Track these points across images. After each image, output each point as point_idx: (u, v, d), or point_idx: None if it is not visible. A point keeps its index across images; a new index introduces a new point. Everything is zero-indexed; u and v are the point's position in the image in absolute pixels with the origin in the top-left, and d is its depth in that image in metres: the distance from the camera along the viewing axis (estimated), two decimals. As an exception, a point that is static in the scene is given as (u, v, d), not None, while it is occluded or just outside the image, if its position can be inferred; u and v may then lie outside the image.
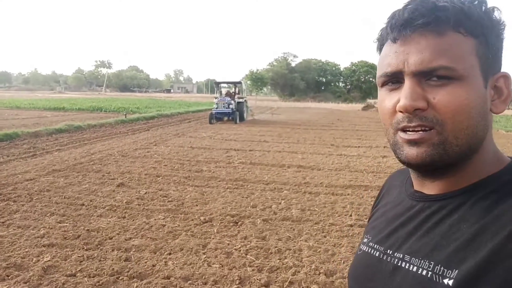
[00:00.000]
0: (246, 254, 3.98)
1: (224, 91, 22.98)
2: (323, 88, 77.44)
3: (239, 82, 22.85)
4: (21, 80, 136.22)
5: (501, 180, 0.62)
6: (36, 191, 5.99)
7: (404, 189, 0.76)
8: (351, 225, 4.87)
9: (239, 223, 4.88)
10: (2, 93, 57.55)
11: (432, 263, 0.60)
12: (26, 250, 3.90)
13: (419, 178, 0.70)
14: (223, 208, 5.41)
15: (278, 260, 3.87)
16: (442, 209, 0.64)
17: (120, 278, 3.43)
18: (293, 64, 76.90)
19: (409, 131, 0.62)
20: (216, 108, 19.35)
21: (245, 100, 21.64)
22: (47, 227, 4.54)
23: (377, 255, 0.72)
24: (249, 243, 4.24)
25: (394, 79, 0.64)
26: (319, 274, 3.61)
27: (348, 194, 6.35)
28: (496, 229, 0.56)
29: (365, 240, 0.78)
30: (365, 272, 0.73)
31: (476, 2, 0.62)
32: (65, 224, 4.65)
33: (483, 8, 0.62)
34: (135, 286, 3.31)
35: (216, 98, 20.54)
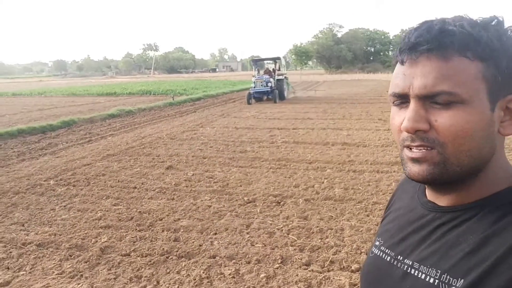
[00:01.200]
0: (288, 234, 4.09)
1: (263, 68, 21.82)
2: (371, 58, 74.62)
3: (278, 58, 21.24)
4: (75, 67, 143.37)
5: (510, 197, 0.65)
6: (92, 175, 6.43)
7: (417, 196, 0.78)
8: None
9: (282, 203, 4.99)
10: (59, 81, 61.00)
11: (439, 271, 0.63)
12: (86, 231, 4.25)
13: (431, 190, 0.73)
14: (266, 188, 5.53)
15: (320, 240, 3.94)
16: (452, 221, 0.67)
17: (169, 257, 3.67)
18: (339, 35, 74.50)
19: (413, 148, 0.66)
20: (254, 87, 18.42)
21: (285, 77, 20.39)
22: (104, 209, 4.90)
23: (388, 259, 0.75)
24: (291, 223, 4.34)
25: (403, 99, 0.67)
26: (360, 254, 3.65)
27: (394, 171, 6.24)
28: (500, 241, 0.59)
29: (377, 243, 0.82)
30: (376, 275, 0.77)
31: (488, 25, 0.62)
32: (120, 207, 4.99)
33: (495, 31, 0.62)
34: (183, 265, 3.53)
35: (253, 76, 19.54)
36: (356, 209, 4.72)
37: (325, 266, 3.45)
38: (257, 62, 21.56)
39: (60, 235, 4.19)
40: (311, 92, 24.14)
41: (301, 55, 50.00)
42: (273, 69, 20.49)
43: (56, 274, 3.41)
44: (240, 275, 3.34)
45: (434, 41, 0.62)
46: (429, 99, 0.63)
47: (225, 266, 3.48)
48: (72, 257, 3.70)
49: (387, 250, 0.77)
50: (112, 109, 15.04)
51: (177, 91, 25.87)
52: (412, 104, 0.64)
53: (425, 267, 0.66)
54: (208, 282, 3.25)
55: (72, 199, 5.32)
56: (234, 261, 3.58)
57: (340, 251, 3.69)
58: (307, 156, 7.38)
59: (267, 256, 3.63)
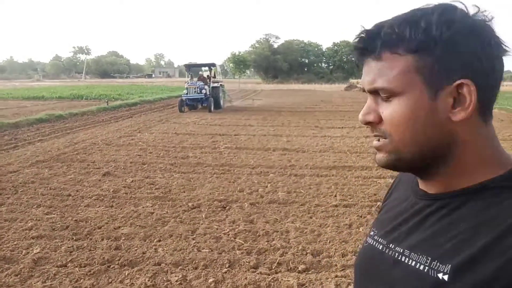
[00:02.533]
0: (234, 238, 4.07)
1: (198, 74, 20.62)
2: (306, 69, 77.38)
3: (213, 64, 20.01)
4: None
5: (500, 184, 0.65)
6: (20, 183, 5.94)
7: (411, 186, 0.80)
8: (336, 206, 5.00)
9: (227, 207, 4.96)
10: (-23, 83, 55.84)
11: (429, 258, 0.64)
12: (15, 242, 3.91)
13: (418, 178, 0.75)
14: (210, 193, 5.47)
15: (266, 242, 3.97)
16: (442, 208, 0.68)
17: (111, 266, 3.48)
18: (275, 46, 76.39)
19: (375, 139, 0.72)
20: (187, 93, 17.23)
21: (221, 84, 19.30)
22: (35, 219, 4.53)
23: (380, 248, 0.77)
24: (237, 227, 4.33)
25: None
26: (306, 254, 3.72)
27: (332, 175, 6.47)
28: (491, 227, 0.59)
29: (371, 233, 0.83)
30: (369, 263, 0.79)
31: (428, 15, 0.63)
32: (53, 216, 4.65)
33: (423, 24, 0.63)
34: (126, 273, 3.37)
35: (186, 82, 18.37)
36: (299, 211, 4.82)
37: (273, 268, 3.48)
38: (191, 67, 20.45)
39: (-16, 247, 3.80)
40: (249, 101, 23.61)
41: (239, 63, 50.45)
42: (208, 76, 19.53)
43: (-19, 290, 3.09)
44: (187, 281, 3.25)
45: (365, 43, 0.69)
46: (377, 94, 0.69)
47: (171, 273, 3.37)
48: (0, 271, 3.37)
49: (380, 239, 0.78)
50: (40, 114, 14.06)
51: (112, 96, 24.87)
52: (368, 98, 0.71)
53: (416, 254, 0.67)
54: (154, 290, 3.13)
55: (-3, 209, 4.86)
56: (180, 267, 3.48)
57: (286, 253, 3.74)
58: (250, 161, 7.43)
59: (215, 261, 3.58)
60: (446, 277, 0.60)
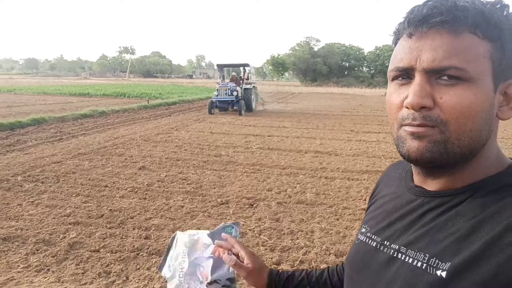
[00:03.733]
0: (259, 235, 4.14)
1: (229, 75, 19.57)
2: (346, 73, 76.29)
3: (247, 64, 18.66)
4: (48, 66, 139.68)
5: (500, 182, 0.63)
6: (62, 173, 6.30)
7: (404, 182, 0.78)
8: (364, 209, 4.94)
9: (254, 205, 5.04)
10: (29, 79, 59.23)
11: (428, 255, 0.62)
12: (54, 227, 4.16)
13: (420, 174, 0.71)
14: (239, 191, 5.57)
15: (290, 241, 4.01)
16: (441, 206, 0.66)
17: (140, 254, 3.65)
18: (315, 49, 75.84)
19: (413, 126, 0.64)
20: (217, 95, 16.36)
21: (253, 86, 18.31)
22: (73, 206, 4.81)
23: (373, 245, 0.74)
24: (263, 224, 4.40)
25: (405, 75, 0.65)
26: (329, 254, 3.73)
27: (364, 179, 6.41)
28: (491, 225, 0.58)
29: (363, 230, 0.81)
30: (361, 260, 0.76)
31: (498, 6, 0.62)
32: (90, 204, 4.91)
33: (505, 12, 0.61)
34: (154, 261, 3.52)
35: (217, 83, 17.39)
36: (326, 213, 4.83)
37: (295, 265, 3.52)
38: (223, 67, 19.06)
39: (27, 229, 4.08)
40: (282, 104, 22.66)
41: (278, 66, 50.46)
42: (240, 77, 18.70)
43: (21, 268, 3.33)
44: (210, 272, 3.36)
45: (448, 14, 0.60)
46: (435, 75, 0.61)
47: (196, 264, 3.48)
48: (39, 252, 3.62)
49: (373, 236, 0.76)
50: (85, 109, 14.75)
51: (152, 94, 25.65)
52: (418, 78, 0.62)
53: (413, 251, 0.65)
54: (178, 278, 3.25)
55: (40, 196, 5.19)
56: (205, 258, 3.59)
57: (309, 252, 3.76)
58: (281, 162, 7.48)
59: (238, 255, 3.65)
60: (444, 274, 0.58)
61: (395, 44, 0.69)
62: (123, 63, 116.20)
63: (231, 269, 1.01)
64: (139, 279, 3.22)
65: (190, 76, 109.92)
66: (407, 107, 0.63)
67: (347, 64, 77.50)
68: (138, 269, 3.41)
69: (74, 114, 13.62)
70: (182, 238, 1.10)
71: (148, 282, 3.18)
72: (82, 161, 7.17)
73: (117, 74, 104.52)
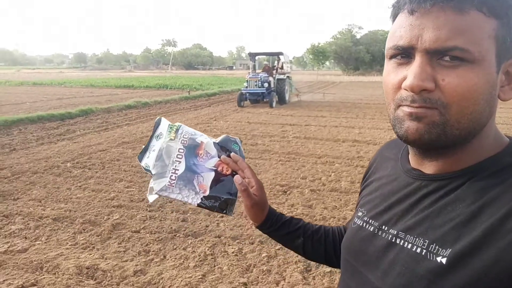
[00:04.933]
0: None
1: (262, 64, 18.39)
2: (389, 61, 73.84)
3: (280, 53, 17.20)
4: (95, 60, 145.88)
5: (499, 163, 0.62)
6: (107, 160, 6.66)
7: (400, 164, 0.75)
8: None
9: (288, 192, 5.12)
10: (78, 73, 62.21)
11: (427, 241, 0.61)
12: (99, 209, 4.46)
13: (417, 156, 0.69)
14: (273, 178, 5.67)
15: (322, 227, 4.06)
16: (439, 189, 0.64)
17: (177, 235, 3.85)
18: (358, 36, 74.04)
19: (411, 107, 0.61)
20: (246, 86, 15.35)
21: (288, 76, 17.12)
22: (116, 191, 5.10)
23: (371, 230, 0.73)
24: (295, 210, 4.48)
25: (404, 53, 0.61)
26: (360, 241, 3.75)
27: (401, 168, 6.30)
28: (492, 210, 0.56)
29: (360, 214, 0.79)
30: (359, 245, 0.74)
31: None
32: (132, 189, 5.19)
33: None
34: (189, 242, 3.70)
35: (248, 73, 16.40)
36: (360, 200, 4.82)
37: (325, 250, 3.58)
38: (255, 56, 17.67)
39: (74, 211, 4.40)
40: (319, 95, 21.09)
41: (318, 55, 49.84)
42: (273, 66, 17.55)
43: (69, 245, 3.61)
44: (243, 253, 3.49)
45: None
46: (437, 55, 0.58)
47: (229, 245, 3.63)
48: (85, 231, 3.91)
49: (370, 220, 0.74)
50: (129, 101, 15.36)
51: (193, 86, 26.17)
52: (419, 59, 0.59)
53: (412, 237, 0.63)
54: (212, 258, 3.41)
55: (87, 181, 5.54)
56: (238, 241, 3.73)
57: (341, 237, 3.80)
58: (317, 151, 7.49)
59: (270, 239, 3.76)
60: (444, 261, 0.57)
61: (394, 19, 0.65)
62: (165, 55, 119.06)
63: (234, 188, 0.93)
64: (175, 258, 3.41)
65: (231, 68, 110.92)
66: (406, 89, 0.60)
67: (391, 52, 74.99)
68: (175, 249, 3.60)
69: (119, 105, 14.22)
70: (171, 128, 0.98)
71: (183, 261, 3.36)
72: (126, 149, 7.53)
73: (160, 66, 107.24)
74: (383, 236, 0.69)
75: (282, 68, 17.29)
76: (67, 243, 3.65)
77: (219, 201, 0.91)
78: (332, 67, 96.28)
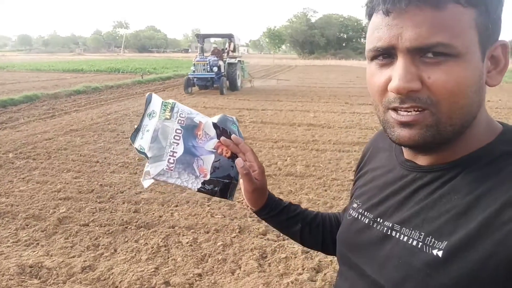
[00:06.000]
0: (248, 206, 4.18)
1: (211, 47, 17.30)
2: (344, 44, 75.44)
3: (231, 35, 15.95)
4: (41, 42, 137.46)
5: (493, 152, 0.60)
6: (54, 149, 6.31)
7: (394, 154, 0.74)
8: (353, 180, 5.00)
9: (244, 178, 5.08)
10: (23, 56, 58.46)
11: (423, 234, 0.60)
12: (44, 203, 4.20)
13: (411, 150, 0.68)
14: (229, 164, 5.60)
15: (278, 212, 4.06)
16: (434, 181, 0.63)
17: (128, 227, 3.70)
18: (313, 20, 74.74)
19: (401, 111, 0.59)
20: (194, 71, 14.00)
21: (239, 60, 15.67)
22: (64, 182, 4.84)
23: (366, 222, 0.72)
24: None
25: (386, 53, 0.60)
26: (315, 225, 3.79)
27: (354, 151, 6.44)
28: (488, 202, 0.55)
29: (355, 205, 0.78)
30: (354, 237, 0.74)
31: None
32: (80, 180, 4.94)
33: None
34: (142, 234, 3.57)
35: (195, 57, 14.95)
36: (315, 184, 4.88)
37: (281, 235, 3.57)
38: (203, 39, 16.19)
39: (17, 205, 4.12)
40: (273, 81, 19.97)
41: (275, 38, 49.84)
42: (223, 49, 16.29)
43: (11, 243, 3.38)
44: (197, 243, 3.42)
45: None
46: (419, 53, 0.56)
47: (183, 236, 3.54)
48: (28, 227, 3.67)
49: (365, 212, 0.74)
50: (78, 86, 14.64)
51: (147, 69, 25.41)
52: (401, 60, 0.57)
53: (408, 230, 0.63)
54: (165, 250, 3.31)
55: (31, 172, 5.21)
56: (192, 230, 3.65)
57: (296, 222, 3.82)
58: (273, 135, 7.49)
59: (226, 226, 3.72)
60: (440, 254, 0.56)
61: (369, 18, 0.63)
62: (117, 38, 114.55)
63: (234, 171, 0.89)
64: (127, 251, 3.28)
65: (186, 51, 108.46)
66: (393, 91, 0.59)
67: (345, 36, 76.57)
68: (126, 241, 3.46)
69: (67, 90, 13.52)
70: (165, 105, 0.90)
71: (135, 254, 3.24)
72: (74, 137, 7.17)
73: (111, 49, 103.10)
74: (378, 228, 0.69)
75: (234, 51, 16.00)
76: (8, 241, 3.41)
77: (220, 185, 0.87)
78: (288, 51, 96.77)
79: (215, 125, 0.90)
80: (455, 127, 0.59)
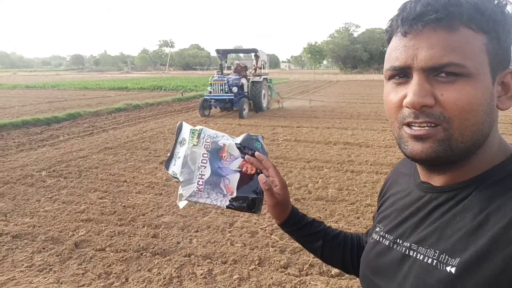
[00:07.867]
0: (270, 234, 3.92)
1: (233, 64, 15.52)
2: (387, 59, 73.63)
3: (255, 50, 14.45)
4: (92, 62, 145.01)
5: (505, 170, 0.63)
6: (85, 168, 6.35)
7: (413, 178, 0.77)
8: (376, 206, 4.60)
9: (270, 202, 4.81)
10: (74, 75, 61.74)
11: (438, 251, 0.62)
12: (65, 224, 4.15)
13: (425, 170, 0.71)
14: (257, 186, 5.36)
15: (303, 241, 3.76)
16: (449, 201, 0.65)
17: (143, 254, 3.54)
18: (355, 35, 73.75)
19: (414, 126, 0.62)
20: (211, 92, 12.47)
21: (265, 78, 13.94)
22: (88, 202, 4.80)
23: (387, 244, 0.74)
24: (275, 223, 4.17)
25: (402, 73, 0.64)
26: (343, 258, 3.45)
27: (393, 173, 6.00)
28: (498, 218, 0.57)
29: (377, 229, 0.81)
30: (375, 260, 0.76)
31: None
32: (105, 200, 4.88)
33: (497, 2, 0.61)
34: (156, 262, 3.39)
35: (212, 76, 13.31)
36: (347, 210, 4.52)
37: (304, 269, 3.27)
38: (226, 54, 14.76)
39: (39, 226, 4.09)
40: (305, 101, 17.20)
41: (315, 54, 49.43)
42: (246, 66, 14.51)
43: (24, 267, 3.30)
44: (212, 275, 3.18)
45: (443, 10, 0.59)
46: (434, 72, 0.60)
47: (198, 266, 3.32)
48: (44, 250, 3.60)
49: (386, 234, 0.76)
50: (120, 103, 15.05)
51: (188, 87, 25.87)
52: (416, 77, 0.61)
53: (424, 248, 0.65)
54: (177, 281, 3.10)
55: (60, 191, 5.23)
56: (208, 260, 3.42)
57: (322, 254, 3.50)
58: (306, 154, 7.19)
59: (245, 257, 3.47)
60: (453, 270, 0.58)
61: (389, 42, 0.68)
62: (163, 56, 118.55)
63: (260, 187, 0.94)
64: (138, 281, 3.10)
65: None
66: (407, 107, 0.62)
67: (388, 50, 74.80)
68: (139, 270, 3.29)
69: (109, 108, 13.92)
70: (194, 133, 0.96)
71: (146, 285, 3.05)
72: (107, 155, 7.23)
73: (157, 67, 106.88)
74: (397, 249, 0.71)
75: (261, 68, 14.63)
76: (23, 265, 3.34)
77: (247, 201, 0.93)
78: (330, 66, 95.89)
79: (238, 146, 0.95)
80: (466, 144, 0.61)
